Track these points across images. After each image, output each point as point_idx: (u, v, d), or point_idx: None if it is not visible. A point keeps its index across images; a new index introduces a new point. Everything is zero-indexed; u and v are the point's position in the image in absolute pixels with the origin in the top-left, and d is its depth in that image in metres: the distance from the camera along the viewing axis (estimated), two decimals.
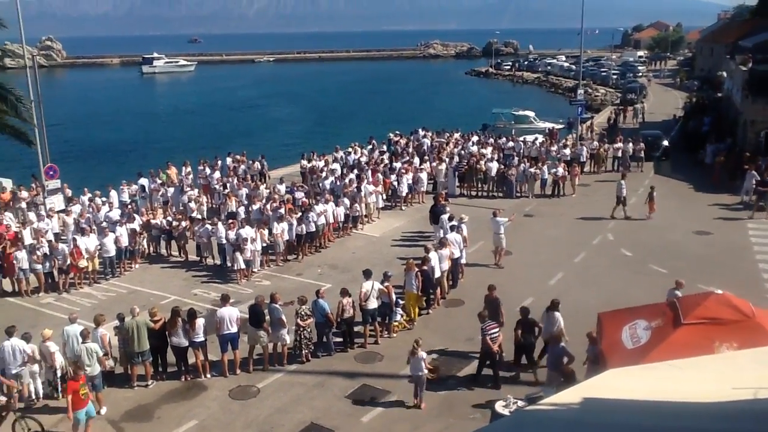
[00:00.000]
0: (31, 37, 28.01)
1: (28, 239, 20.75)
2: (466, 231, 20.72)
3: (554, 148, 34.49)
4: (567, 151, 33.62)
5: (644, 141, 35.19)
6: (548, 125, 45.68)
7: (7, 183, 28.16)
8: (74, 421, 12.56)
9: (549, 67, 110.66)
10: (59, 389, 14.41)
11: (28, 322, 17.33)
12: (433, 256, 18.09)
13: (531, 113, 48.34)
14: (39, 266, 20.01)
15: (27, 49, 29.81)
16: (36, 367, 14.22)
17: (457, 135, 38.62)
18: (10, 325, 14.40)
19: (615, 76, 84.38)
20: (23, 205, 25.84)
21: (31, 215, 23.84)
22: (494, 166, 30.31)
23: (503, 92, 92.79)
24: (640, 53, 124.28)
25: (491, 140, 37.72)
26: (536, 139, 37.23)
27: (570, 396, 7.09)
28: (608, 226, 25.25)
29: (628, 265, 21.16)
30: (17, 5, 25.42)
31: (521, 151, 34.68)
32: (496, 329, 14.43)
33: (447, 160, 31.41)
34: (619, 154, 34.12)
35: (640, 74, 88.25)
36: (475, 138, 37.88)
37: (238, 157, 32.25)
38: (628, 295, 17.29)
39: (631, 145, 34.12)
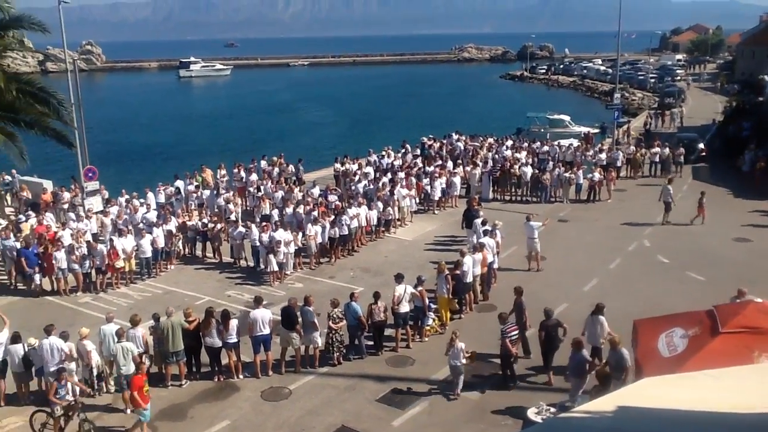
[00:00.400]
0: (72, 41, 28.67)
1: (67, 240, 21.15)
2: (500, 236, 20.61)
3: (590, 152, 34.12)
4: (603, 156, 33.20)
5: (678, 143, 34.60)
6: (584, 129, 45.16)
7: (48, 184, 28.78)
8: (140, 417, 12.80)
9: (585, 71, 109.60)
10: (95, 387, 14.69)
11: (66, 320, 17.65)
12: (467, 260, 18.01)
13: (566, 117, 47.87)
14: (77, 266, 20.40)
15: (68, 54, 30.55)
16: (73, 366, 14.46)
17: (491, 139, 38.44)
18: (48, 324, 14.69)
19: (653, 80, 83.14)
20: (65, 206, 26.38)
21: (71, 216, 24.30)
22: (528, 171, 30.08)
23: (538, 96, 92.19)
24: (679, 57, 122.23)
25: (525, 144, 37.45)
26: (571, 143, 36.84)
27: (604, 404, 6.99)
28: (645, 232, 24.86)
29: (664, 272, 20.81)
30: (60, 11, 26.04)
31: (556, 155, 34.35)
32: (516, 331, 14.56)
33: (481, 164, 31.26)
34: (657, 159, 33.59)
35: (679, 78, 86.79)
36: (509, 142, 37.65)
37: (275, 159, 32.56)
38: (665, 302, 16.99)
39: (667, 150, 33.56)
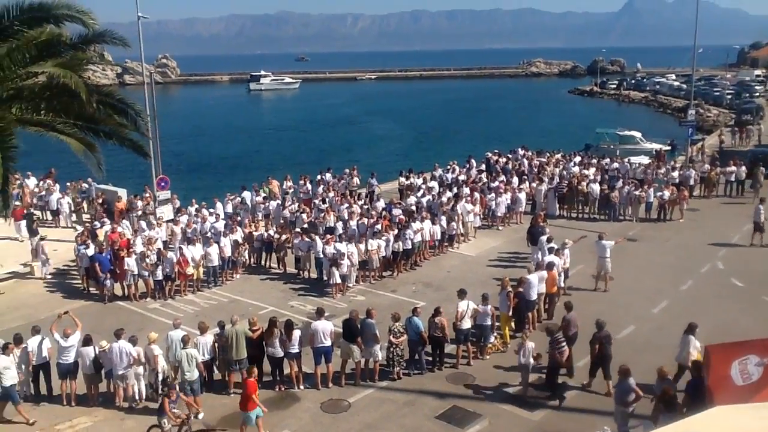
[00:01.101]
0: (149, 55, 29.83)
1: (138, 247, 21.84)
2: (568, 255, 20.21)
3: (662, 170, 33.16)
4: (675, 174, 32.22)
5: (753, 158, 33.23)
6: (655, 146, 43.96)
7: (123, 193, 29.84)
8: (244, 420, 13.12)
9: (658, 86, 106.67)
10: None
11: (136, 325, 18.17)
12: (532, 277, 17.72)
13: (637, 134, 46.68)
14: (148, 273, 21.03)
15: (145, 67, 31.70)
16: (140, 369, 14.88)
17: (558, 155, 37.85)
18: (118, 328, 15.16)
19: (729, 96, 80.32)
20: (137, 214, 27.27)
21: (142, 224, 25.10)
22: (596, 188, 29.45)
23: (608, 111, 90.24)
24: (758, 72, 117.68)
25: (594, 161, 36.70)
26: (642, 161, 35.91)
27: None
28: (719, 253, 23.96)
29: (739, 296, 19.98)
30: (139, 26, 27.10)
31: (626, 172, 33.53)
32: (563, 343, 14.51)
33: (547, 180, 30.80)
34: (732, 178, 32.36)
35: (757, 94, 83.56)
36: (577, 158, 36.98)
37: (347, 171, 32.95)
38: (739, 327, 16.31)
39: (743, 168, 32.30)
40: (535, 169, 33.86)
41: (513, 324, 17.46)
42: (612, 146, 44.02)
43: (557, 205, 29.71)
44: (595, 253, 20.88)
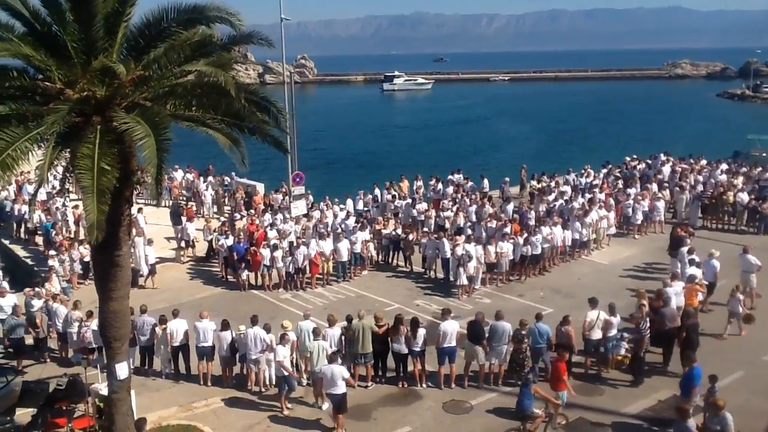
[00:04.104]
0: (288, 55, 30.99)
1: (273, 239, 22.78)
2: (717, 266, 19.09)
3: None
4: None
5: None
6: None
7: (260, 187, 31.25)
8: (557, 396, 13.56)
9: None
10: None
11: (268, 314, 18.94)
12: (670, 290, 16.79)
13: None
14: (281, 264, 21.88)
15: (286, 67, 33.02)
16: (272, 356, 15.51)
17: (703, 162, 35.58)
18: (253, 315, 15.89)
19: None
20: (273, 207, 28.46)
21: (278, 217, 26.15)
22: (745, 198, 27.44)
23: (761, 117, 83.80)
24: None
25: (744, 169, 34.18)
26: None
27: None
28: None
29: None
30: (281, 28, 28.28)
31: None
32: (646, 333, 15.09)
33: (689, 188, 29.09)
34: None
35: None
36: (724, 166, 34.57)
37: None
38: None
39: None
40: (677, 176, 32.03)
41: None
42: (765, 154, 40.82)
43: (699, 215, 27.98)
44: (739, 267, 19.50)
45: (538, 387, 13.10)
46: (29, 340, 17.81)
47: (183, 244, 24.91)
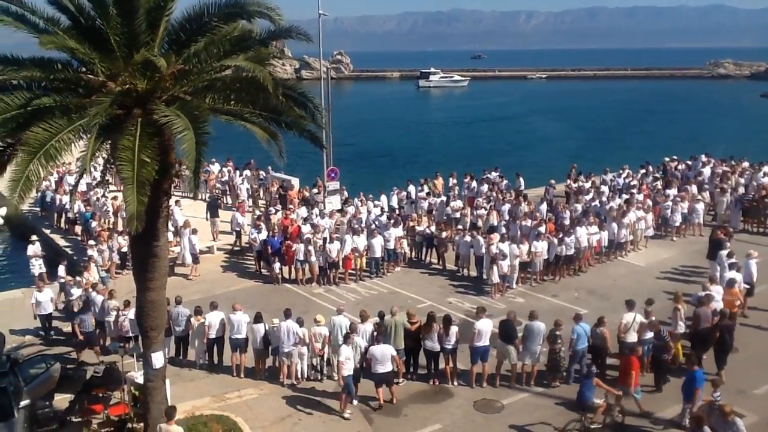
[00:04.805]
0: (325, 51, 31.04)
1: (307, 234, 22.91)
2: (756, 269, 18.66)
3: None
4: None
5: None
6: None
7: (295, 181, 31.45)
8: (624, 393, 13.63)
9: None
10: (323, 372, 15.72)
11: (301, 308, 19.02)
12: (713, 292, 16.51)
13: None
14: (314, 259, 21.99)
15: (323, 63, 33.16)
16: (304, 350, 15.63)
17: (745, 164, 34.77)
18: (287, 308, 16.00)
19: None
20: (308, 202, 28.61)
21: (312, 212, 26.27)
22: None
23: None
24: None
25: None
26: None
27: None
28: None
29: None
30: (319, 24, 28.37)
31: None
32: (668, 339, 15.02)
33: (730, 190, 28.47)
34: None
35: None
36: (766, 168, 33.79)
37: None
38: None
39: None
40: (718, 178, 31.36)
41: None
42: None
43: (740, 218, 27.38)
44: None
45: (599, 379, 13.29)
46: (68, 328, 18.23)
47: (234, 234, 25.45)
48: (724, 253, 20.07)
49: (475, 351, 15.20)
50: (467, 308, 19.23)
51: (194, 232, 23.10)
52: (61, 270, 20.89)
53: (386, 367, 14.36)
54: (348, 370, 14.15)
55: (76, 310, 17.81)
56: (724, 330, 15.15)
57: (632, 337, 15.31)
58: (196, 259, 23.13)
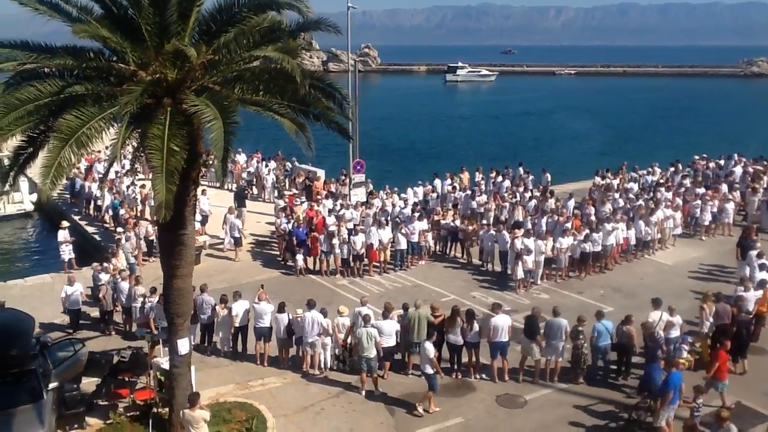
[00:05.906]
0: (353, 44, 31.01)
1: (332, 226, 22.99)
2: None
3: None
4: None
5: None
6: None
7: (321, 173, 31.55)
8: (714, 386, 13.71)
9: None
10: (346, 362, 15.79)
11: (325, 299, 19.09)
12: (749, 294, 16.32)
13: None
14: (338, 251, 22.06)
15: (351, 56, 33.17)
16: (328, 340, 15.73)
17: None
18: (311, 298, 16.10)
19: None
20: (334, 194, 28.67)
21: (338, 204, 26.34)
22: None
23: None
24: None
25: None
26: None
27: None
28: None
29: None
30: (348, 16, 28.37)
31: None
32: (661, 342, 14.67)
33: (762, 190, 28.00)
34: None
35: None
36: None
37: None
38: None
39: None
40: (749, 178, 30.83)
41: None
42: None
43: None
44: None
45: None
46: (95, 313, 18.52)
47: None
48: (753, 253, 19.78)
49: (494, 346, 15.20)
50: (491, 303, 19.09)
51: (238, 215, 24.40)
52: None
53: (390, 342, 15.27)
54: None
55: (102, 295, 18.07)
56: (740, 324, 15.39)
57: (675, 332, 15.23)
58: (238, 242, 23.73)
